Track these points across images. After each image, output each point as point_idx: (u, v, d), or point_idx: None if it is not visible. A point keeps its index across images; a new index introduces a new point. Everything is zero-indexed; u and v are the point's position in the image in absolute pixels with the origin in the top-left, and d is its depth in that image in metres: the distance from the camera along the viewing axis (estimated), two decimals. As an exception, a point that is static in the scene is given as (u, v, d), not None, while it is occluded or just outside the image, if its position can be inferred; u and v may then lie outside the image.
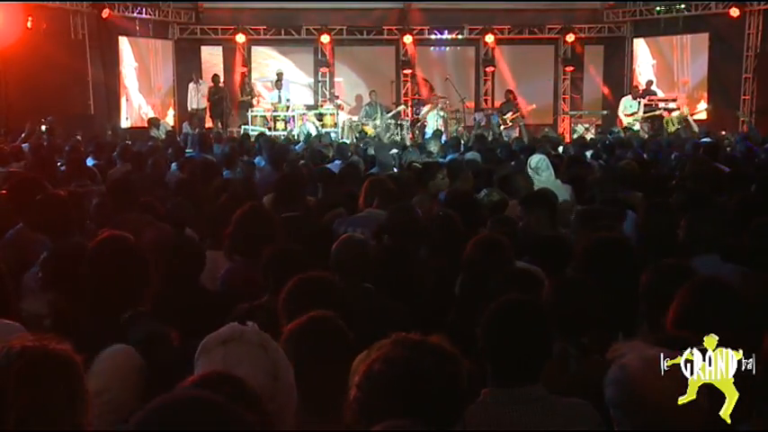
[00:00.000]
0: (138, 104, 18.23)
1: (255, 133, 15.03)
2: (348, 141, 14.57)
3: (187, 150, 10.79)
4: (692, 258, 4.06)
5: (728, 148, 11.06)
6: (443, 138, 14.53)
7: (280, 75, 17.86)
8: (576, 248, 3.97)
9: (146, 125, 17.29)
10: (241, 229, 4.29)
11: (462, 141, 12.35)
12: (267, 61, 19.60)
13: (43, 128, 13.29)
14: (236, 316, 3.35)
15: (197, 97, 17.91)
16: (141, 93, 18.37)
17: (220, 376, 1.83)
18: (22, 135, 12.36)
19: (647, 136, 14.93)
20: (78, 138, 12.12)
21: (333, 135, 16.16)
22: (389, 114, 17.33)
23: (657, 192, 6.22)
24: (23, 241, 4.39)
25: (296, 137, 15.46)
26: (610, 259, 3.60)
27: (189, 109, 17.89)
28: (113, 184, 5.49)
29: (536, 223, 4.94)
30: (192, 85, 18.03)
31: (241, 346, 2.12)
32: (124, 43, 17.62)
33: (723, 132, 14.70)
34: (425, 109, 17.21)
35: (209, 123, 17.89)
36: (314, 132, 16.03)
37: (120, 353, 2.61)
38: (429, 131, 16.09)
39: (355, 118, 17.78)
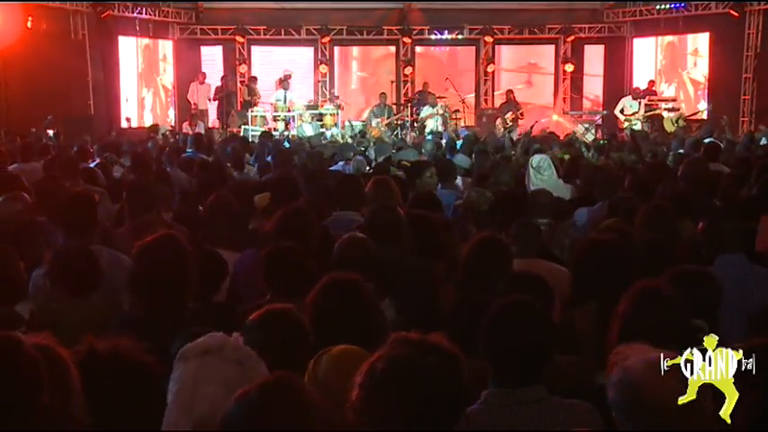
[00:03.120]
0: (137, 105, 18.23)
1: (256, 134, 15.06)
2: (351, 141, 14.58)
3: (187, 150, 10.79)
4: (715, 258, 4.04)
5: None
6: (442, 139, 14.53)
7: (288, 75, 17.86)
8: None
9: (146, 125, 17.34)
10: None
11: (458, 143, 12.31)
12: (267, 61, 19.60)
13: (50, 132, 13.31)
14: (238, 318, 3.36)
15: (202, 97, 17.91)
16: (141, 93, 18.37)
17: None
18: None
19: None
20: (87, 138, 12.09)
21: (337, 135, 16.20)
22: (393, 118, 17.38)
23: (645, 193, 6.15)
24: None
25: (292, 137, 15.47)
26: (604, 261, 3.58)
27: (192, 106, 17.85)
28: (131, 186, 5.47)
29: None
30: (195, 84, 18.04)
31: (217, 361, 2.11)
32: (124, 43, 17.61)
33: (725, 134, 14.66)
34: (425, 110, 17.21)
35: (211, 123, 17.91)
36: (310, 133, 16.04)
37: None
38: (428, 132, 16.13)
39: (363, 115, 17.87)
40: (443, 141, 11.85)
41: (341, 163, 9.22)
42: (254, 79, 18.45)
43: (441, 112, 16.97)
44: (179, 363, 2.16)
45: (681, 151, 10.26)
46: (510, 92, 18.16)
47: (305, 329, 2.56)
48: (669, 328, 2.69)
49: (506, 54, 20.65)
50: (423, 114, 17.25)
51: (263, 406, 1.77)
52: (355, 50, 20.78)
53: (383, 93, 18.13)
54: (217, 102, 18.03)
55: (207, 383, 2.06)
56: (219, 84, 18.09)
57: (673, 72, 19.07)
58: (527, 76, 20.58)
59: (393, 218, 4.39)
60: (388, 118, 17.22)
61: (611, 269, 3.48)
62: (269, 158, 9.62)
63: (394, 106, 18.35)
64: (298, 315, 2.61)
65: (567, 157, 9.02)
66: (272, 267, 3.59)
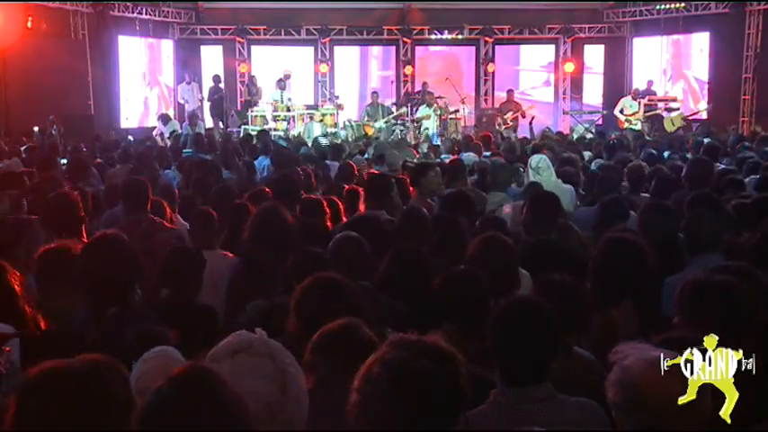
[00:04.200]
0: (137, 105, 18.23)
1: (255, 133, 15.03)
2: (349, 140, 14.58)
3: (185, 150, 10.82)
4: (693, 258, 4.06)
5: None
6: (438, 139, 14.57)
7: (287, 75, 17.84)
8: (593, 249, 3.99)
9: (144, 125, 17.38)
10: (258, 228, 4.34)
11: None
12: (268, 61, 19.61)
13: (35, 128, 13.32)
14: (251, 313, 3.38)
15: (192, 98, 17.91)
16: (141, 93, 18.37)
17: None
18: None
19: (648, 137, 14.91)
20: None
21: (341, 134, 16.20)
22: (392, 116, 17.35)
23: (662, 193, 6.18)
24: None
25: (292, 137, 15.45)
26: (626, 260, 3.59)
27: (186, 108, 17.86)
28: (126, 185, 5.44)
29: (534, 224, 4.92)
30: (183, 86, 18.04)
31: (249, 358, 2.10)
32: (124, 43, 17.62)
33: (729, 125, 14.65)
34: (422, 110, 17.22)
35: (209, 123, 17.90)
36: (317, 133, 16.04)
37: (169, 351, 2.61)
38: (427, 132, 16.17)
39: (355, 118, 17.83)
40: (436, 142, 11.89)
41: (335, 163, 9.17)
42: (253, 78, 18.46)
43: (438, 112, 16.95)
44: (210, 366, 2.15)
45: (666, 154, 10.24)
46: (510, 92, 18.14)
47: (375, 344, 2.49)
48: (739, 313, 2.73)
49: (527, 52, 20.68)
50: (419, 115, 17.25)
51: (175, 398, 1.77)
52: (376, 49, 20.68)
53: (375, 92, 18.13)
54: (210, 102, 18.01)
55: (243, 379, 2.03)
56: (213, 84, 18.08)
57: (677, 71, 19.07)
58: (547, 75, 20.58)
59: (423, 220, 4.47)
60: (383, 117, 17.20)
61: (639, 266, 3.53)
62: (261, 158, 9.63)
63: (393, 105, 18.32)
64: (368, 332, 2.55)
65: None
66: (301, 272, 3.59)
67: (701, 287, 2.88)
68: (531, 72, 20.72)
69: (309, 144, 12.61)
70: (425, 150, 11.24)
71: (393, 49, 20.09)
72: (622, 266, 3.53)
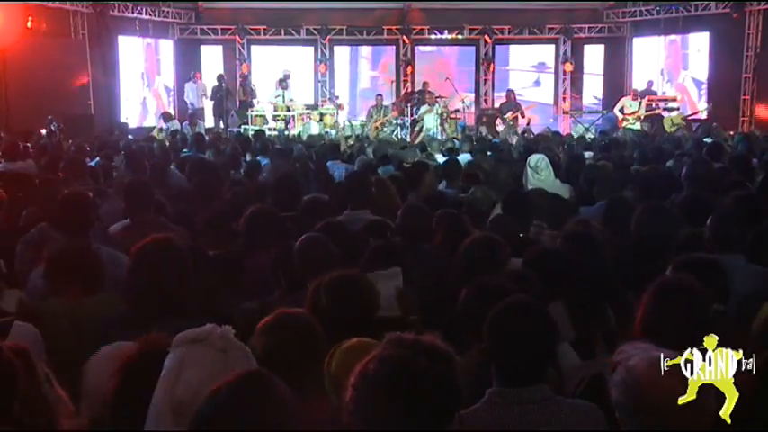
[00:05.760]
0: (137, 105, 18.23)
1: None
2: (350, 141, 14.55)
3: (184, 150, 10.79)
4: (716, 257, 4.04)
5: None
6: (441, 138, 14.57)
7: (287, 75, 17.85)
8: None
9: (144, 125, 17.37)
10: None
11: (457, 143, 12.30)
12: (268, 61, 19.61)
13: (42, 131, 13.32)
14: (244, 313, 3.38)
15: (198, 97, 17.92)
16: (141, 93, 18.37)
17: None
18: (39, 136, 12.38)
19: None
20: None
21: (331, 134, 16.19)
22: (386, 117, 17.36)
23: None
24: (42, 239, 4.42)
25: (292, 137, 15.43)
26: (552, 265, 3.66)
27: (189, 107, 17.86)
28: (129, 185, 5.40)
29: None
30: (189, 84, 18.04)
31: (203, 349, 2.16)
32: (124, 43, 17.61)
33: (731, 133, 14.62)
34: (423, 109, 17.22)
35: (210, 123, 17.90)
36: (315, 132, 16.04)
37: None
38: (428, 132, 16.16)
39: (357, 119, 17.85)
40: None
41: (330, 162, 9.13)
42: (247, 78, 18.46)
43: (439, 111, 16.96)
44: (171, 351, 2.21)
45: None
46: (510, 92, 18.13)
47: (316, 334, 2.57)
48: (694, 320, 2.71)
49: (526, 52, 20.66)
50: (420, 112, 17.26)
51: (233, 401, 1.80)
52: (367, 49, 20.61)
53: (379, 94, 18.15)
54: (213, 102, 18.02)
55: (189, 367, 2.12)
56: (216, 83, 18.08)
57: (677, 71, 19.06)
58: (546, 75, 20.58)
59: (426, 219, 4.52)
60: (384, 117, 17.21)
61: (564, 273, 3.61)
62: (259, 158, 9.61)
63: (392, 105, 18.34)
64: (309, 319, 2.62)
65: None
66: (283, 264, 3.59)
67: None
68: (530, 72, 20.73)
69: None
70: (431, 150, 11.21)
71: (393, 48, 20.11)
72: (550, 271, 3.58)
